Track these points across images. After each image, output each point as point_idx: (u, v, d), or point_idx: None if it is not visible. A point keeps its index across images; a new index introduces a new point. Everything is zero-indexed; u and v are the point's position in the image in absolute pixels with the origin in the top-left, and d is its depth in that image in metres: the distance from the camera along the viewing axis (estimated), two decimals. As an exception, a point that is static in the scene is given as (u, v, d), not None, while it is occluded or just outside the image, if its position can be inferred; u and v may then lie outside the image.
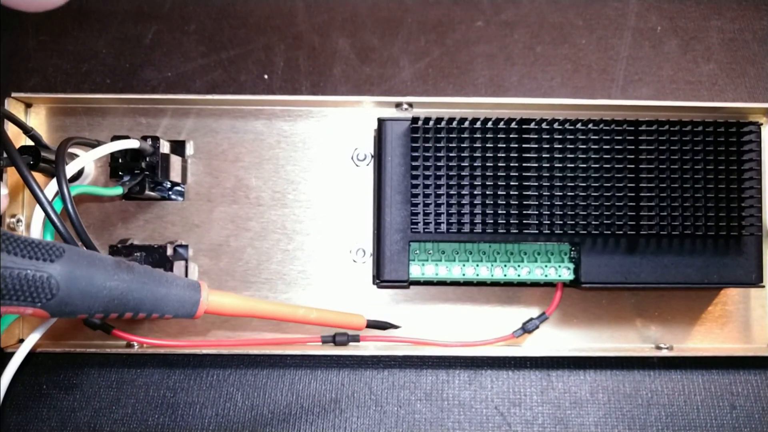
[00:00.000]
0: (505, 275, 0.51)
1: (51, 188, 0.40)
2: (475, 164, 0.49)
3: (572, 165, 0.49)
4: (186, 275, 0.53)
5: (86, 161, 0.44)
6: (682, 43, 0.61)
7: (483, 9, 0.61)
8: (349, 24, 0.61)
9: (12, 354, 0.45)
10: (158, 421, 0.53)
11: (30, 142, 0.48)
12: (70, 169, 0.42)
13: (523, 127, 0.49)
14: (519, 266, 0.51)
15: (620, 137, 0.49)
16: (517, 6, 0.61)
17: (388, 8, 0.61)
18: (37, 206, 0.39)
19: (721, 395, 0.54)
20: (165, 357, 0.54)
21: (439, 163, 0.49)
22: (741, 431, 0.53)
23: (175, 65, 0.60)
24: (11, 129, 0.49)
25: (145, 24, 0.60)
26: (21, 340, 0.52)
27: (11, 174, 0.52)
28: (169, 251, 0.51)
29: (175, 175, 0.52)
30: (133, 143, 0.47)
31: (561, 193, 0.49)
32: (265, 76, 0.60)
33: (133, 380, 0.54)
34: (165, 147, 0.51)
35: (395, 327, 0.53)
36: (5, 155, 0.46)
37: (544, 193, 0.49)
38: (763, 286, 0.51)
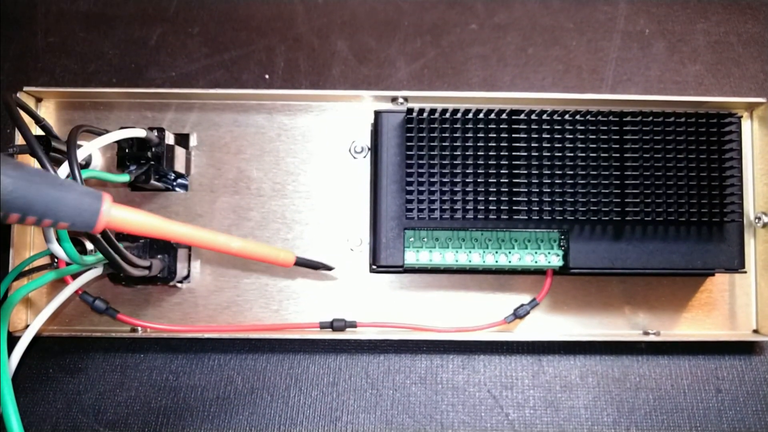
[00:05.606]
0: (496, 261, 0.52)
1: (63, 171, 0.42)
2: (468, 154, 0.51)
3: (560, 154, 0.51)
4: (189, 263, 0.55)
5: (95, 147, 0.46)
6: (669, 45, 0.63)
7: (477, 12, 0.63)
8: (348, 26, 0.63)
9: (19, 338, 0.47)
10: (161, 403, 0.55)
11: (41, 133, 0.50)
12: (80, 154, 0.44)
13: (513, 118, 0.51)
14: (510, 253, 0.52)
15: (606, 128, 0.51)
16: (510, 9, 0.63)
17: (385, 11, 0.63)
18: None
19: (707, 379, 0.56)
20: (168, 341, 0.56)
21: (432, 153, 0.51)
22: (726, 414, 0.55)
23: (179, 65, 0.62)
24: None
25: (150, 26, 0.62)
26: (28, 326, 0.54)
27: (20, 159, 0.54)
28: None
29: (180, 166, 0.54)
30: (139, 132, 0.49)
31: (549, 182, 0.51)
32: (266, 76, 0.61)
33: (137, 364, 0.56)
34: (170, 138, 0.53)
35: (328, 268, 0.53)
36: (19, 141, 0.48)
37: (534, 182, 0.51)
38: (745, 272, 0.52)
